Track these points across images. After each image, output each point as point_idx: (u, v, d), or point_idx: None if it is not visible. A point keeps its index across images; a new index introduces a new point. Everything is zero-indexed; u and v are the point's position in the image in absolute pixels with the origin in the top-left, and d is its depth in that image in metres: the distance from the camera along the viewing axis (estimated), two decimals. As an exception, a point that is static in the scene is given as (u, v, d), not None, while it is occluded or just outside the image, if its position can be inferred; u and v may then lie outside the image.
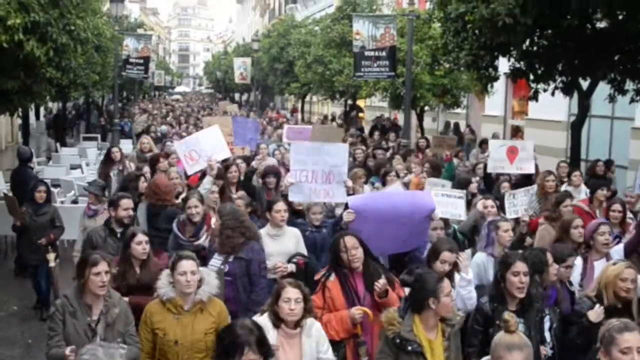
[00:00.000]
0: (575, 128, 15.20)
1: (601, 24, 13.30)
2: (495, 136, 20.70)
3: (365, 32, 19.03)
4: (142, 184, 10.22)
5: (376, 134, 22.41)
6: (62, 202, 14.78)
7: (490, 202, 9.17)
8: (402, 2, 25.84)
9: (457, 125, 26.58)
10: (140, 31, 41.34)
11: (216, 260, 7.11)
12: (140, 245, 6.83)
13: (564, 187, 11.88)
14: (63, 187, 16.72)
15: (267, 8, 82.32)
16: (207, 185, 9.66)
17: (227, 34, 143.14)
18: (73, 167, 20.60)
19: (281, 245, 7.93)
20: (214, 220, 8.08)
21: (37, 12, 11.22)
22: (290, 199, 8.75)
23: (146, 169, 12.00)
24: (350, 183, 8.94)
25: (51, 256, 7.66)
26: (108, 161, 13.11)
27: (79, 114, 37.92)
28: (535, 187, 10.33)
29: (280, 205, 8.07)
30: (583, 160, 17.26)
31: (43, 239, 10.17)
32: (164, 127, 24.71)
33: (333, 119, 33.90)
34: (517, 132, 24.89)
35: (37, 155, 24.27)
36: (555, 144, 20.67)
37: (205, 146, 9.89)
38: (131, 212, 8.19)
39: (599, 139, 20.12)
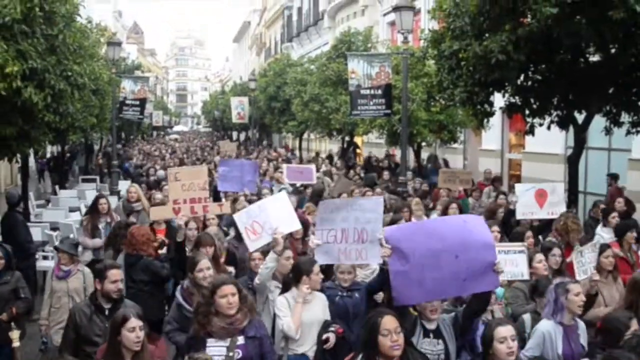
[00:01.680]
0: (572, 161, 15.23)
1: (594, 58, 13.41)
2: (487, 172, 20.79)
3: (361, 70, 19.16)
4: None
5: (385, 174, 22.20)
6: (60, 246, 14.72)
7: (541, 257, 8.59)
8: (397, 41, 25.99)
9: (435, 158, 26.82)
10: (137, 72, 41.63)
11: (218, 348, 5.99)
12: (134, 332, 5.66)
13: (599, 229, 11.85)
14: (62, 230, 16.69)
15: (263, 47, 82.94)
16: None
17: (224, 73, 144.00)
18: (72, 210, 20.59)
19: (310, 313, 7.20)
20: None
21: (35, 59, 11.31)
22: (319, 262, 7.69)
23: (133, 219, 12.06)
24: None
25: (14, 334, 6.83)
26: (94, 212, 12.52)
27: (73, 155, 37.91)
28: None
29: (318, 267, 7.41)
30: (581, 193, 17.30)
31: (4, 314, 8.64)
32: (162, 172, 23.62)
33: (329, 158, 33.76)
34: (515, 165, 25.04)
35: (36, 198, 24.36)
36: (553, 176, 20.67)
37: (271, 216, 8.34)
38: (120, 285, 6.98)
39: (596, 171, 20.17)
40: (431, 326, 6.32)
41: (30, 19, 11.36)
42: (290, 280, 7.52)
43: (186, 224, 10.60)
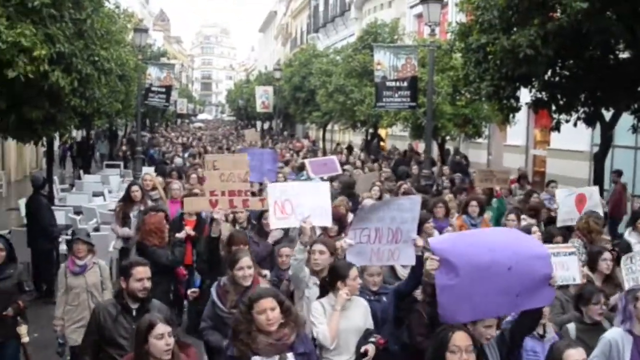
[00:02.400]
0: (599, 159, 15.09)
1: (624, 55, 13.25)
2: (521, 170, 20.01)
3: (387, 62, 19.10)
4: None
5: (414, 168, 21.57)
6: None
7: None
8: (423, 33, 25.87)
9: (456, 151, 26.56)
10: (163, 59, 41.74)
11: None
12: (162, 340, 5.11)
13: (627, 234, 11.62)
14: (85, 215, 16.83)
15: (288, 37, 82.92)
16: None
17: (249, 62, 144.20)
18: (95, 195, 20.75)
19: (349, 320, 6.59)
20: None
21: (63, 43, 11.35)
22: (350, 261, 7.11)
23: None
24: (421, 242, 6.96)
25: (22, 329, 6.71)
26: (127, 200, 12.19)
27: (94, 142, 37.97)
28: None
29: (355, 272, 6.76)
30: (606, 191, 17.13)
31: (9, 309, 8.14)
32: (179, 160, 23.53)
33: (349, 149, 33.54)
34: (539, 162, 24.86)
35: (59, 183, 24.58)
36: (578, 174, 20.52)
37: (306, 202, 7.66)
38: (147, 284, 6.39)
39: (623, 169, 19.92)
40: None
41: (59, 3, 11.40)
42: (326, 284, 6.91)
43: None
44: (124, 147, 35.37)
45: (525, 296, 5.51)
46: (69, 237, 14.16)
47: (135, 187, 12.34)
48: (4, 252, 8.38)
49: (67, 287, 8.55)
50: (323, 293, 6.88)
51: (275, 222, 7.77)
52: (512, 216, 11.37)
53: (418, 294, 7.17)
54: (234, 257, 6.86)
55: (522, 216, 11.75)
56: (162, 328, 5.11)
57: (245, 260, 6.71)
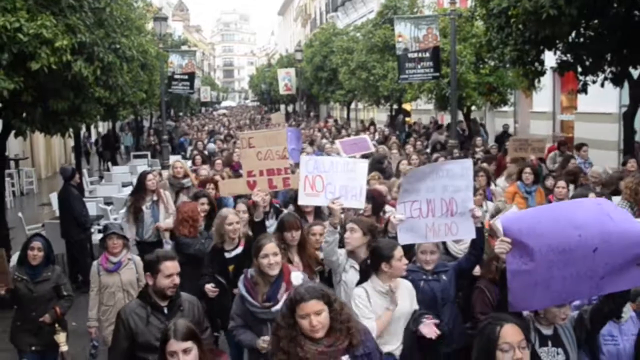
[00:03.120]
0: (628, 119, 14.88)
1: (649, 10, 13.02)
2: (558, 137, 19.59)
3: (408, 34, 18.98)
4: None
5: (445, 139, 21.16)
6: (114, 219, 14.95)
7: None
8: (444, 2, 25.67)
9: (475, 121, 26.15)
10: (184, 48, 41.84)
11: None
12: (174, 358, 4.42)
13: None
14: (115, 205, 16.97)
15: (308, 18, 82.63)
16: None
17: (270, 47, 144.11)
18: (124, 185, 20.90)
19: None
20: (296, 276, 6.16)
21: (84, 32, 11.36)
22: (402, 241, 6.39)
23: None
24: (479, 212, 6.50)
25: (61, 337, 6.61)
26: (140, 190, 11.31)
27: (118, 135, 37.69)
28: None
29: (400, 251, 6.16)
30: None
31: (46, 316, 7.76)
32: (212, 145, 22.86)
33: (372, 125, 33.20)
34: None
35: (89, 175, 24.82)
36: (607, 136, 20.26)
37: (340, 181, 7.07)
38: (176, 280, 5.77)
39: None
40: (548, 331, 5.18)
41: (77, -7, 11.43)
42: (368, 266, 6.34)
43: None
44: (151, 138, 35.51)
45: (611, 278, 4.78)
46: (100, 227, 14.39)
47: (150, 176, 11.46)
48: (42, 253, 7.81)
49: (100, 285, 8.10)
50: (364, 277, 6.37)
51: (304, 198, 7.26)
52: (561, 183, 10.80)
53: (476, 270, 6.91)
54: (257, 243, 6.13)
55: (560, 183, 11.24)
56: (174, 345, 4.39)
57: (270, 247, 6.03)
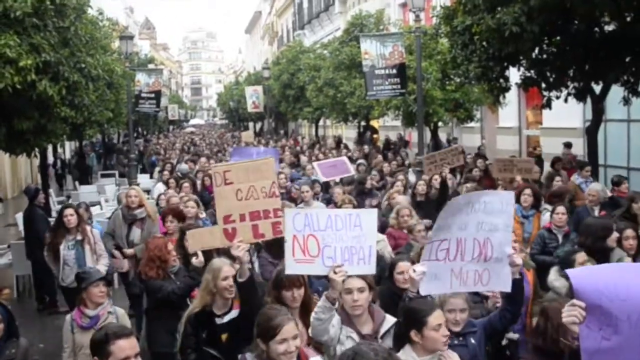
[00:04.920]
0: (591, 133, 15.12)
1: (609, 27, 13.26)
2: (565, 153, 18.60)
3: (374, 51, 19.09)
4: None
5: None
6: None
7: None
8: (409, 21, 25.86)
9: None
10: (151, 66, 41.70)
11: None
12: None
13: None
14: (83, 225, 16.78)
15: (275, 36, 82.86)
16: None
17: (238, 64, 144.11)
18: (92, 205, 20.70)
19: None
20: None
21: (48, 52, 11.35)
22: (424, 292, 5.26)
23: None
24: (519, 260, 5.29)
25: None
26: (60, 229, 10.05)
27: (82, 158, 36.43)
28: None
29: (439, 316, 4.97)
30: (601, 166, 17.15)
31: None
32: (184, 166, 20.97)
33: (338, 143, 33.07)
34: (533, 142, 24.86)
35: (57, 195, 24.58)
36: (573, 151, 20.55)
37: (341, 241, 5.44)
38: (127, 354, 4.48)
39: (615, 142, 20.01)
40: None
41: (42, 12, 11.41)
42: (399, 333, 5.21)
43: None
44: (121, 156, 35.15)
45: None
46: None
47: (68, 211, 10.07)
48: (2, 325, 5.89)
49: (74, 346, 6.81)
50: (397, 345, 5.14)
51: (293, 266, 5.46)
52: (561, 208, 9.73)
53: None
54: (270, 322, 4.59)
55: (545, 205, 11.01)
56: None
57: (290, 329, 4.55)
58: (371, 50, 19.14)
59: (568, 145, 18.73)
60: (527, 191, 10.79)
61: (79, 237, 9.90)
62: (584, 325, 3.55)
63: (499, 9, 12.63)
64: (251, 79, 64.59)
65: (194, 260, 7.34)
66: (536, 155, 18.84)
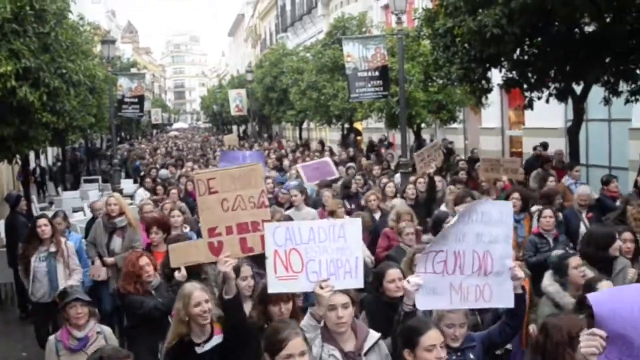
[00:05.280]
0: (572, 133, 15.22)
1: (589, 28, 13.34)
2: (558, 153, 18.41)
3: (356, 53, 19.09)
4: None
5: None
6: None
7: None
8: (391, 22, 25.93)
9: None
10: (133, 70, 41.54)
11: None
12: None
13: None
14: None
15: (258, 39, 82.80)
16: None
17: (221, 68, 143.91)
18: (75, 210, 20.59)
19: None
20: None
21: (28, 58, 11.29)
22: (421, 307, 4.99)
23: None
24: (521, 273, 5.05)
25: None
26: (33, 241, 9.51)
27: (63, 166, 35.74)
28: None
29: (435, 336, 4.60)
30: (583, 165, 17.25)
31: None
32: (164, 172, 20.82)
33: (322, 145, 32.96)
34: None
35: (39, 201, 24.40)
36: (550, 151, 20.71)
37: (325, 254, 5.16)
38: None
39: (597, 142, 20.15)
40: None
41: (21, 18, 11.36)
42: (394, 350, 4.99)
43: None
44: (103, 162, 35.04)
45: None
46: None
47: (42, 221, 9.59)
48: None
49: None
50: None
51: (275, 284, 5.16)
52: (548, 212, 9.61)
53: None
54: (276, 335, 4.33)
55: (535, 207, 10.87)
56: None
57: (296, 344, 4.27)
58: (354, 53, 19.15)
59: (544, 146, 18.86)
60: (515, 195, 10.69)
61: (52, 249, 9.41)
62: (603, 355, 3.22)
63: (480, 11, 12.69)
64: (234, 82, 64.53)
65: (176, 274, 7.01)
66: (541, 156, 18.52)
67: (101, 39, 26.56)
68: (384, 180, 13.59)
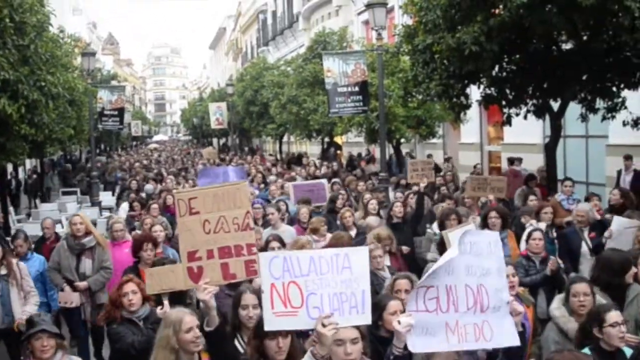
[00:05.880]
0: (550, 149, 15.36)
1: (567, 46, 13.50)
2: (541, 170, 18.26)
3: (336, 68, 19.16)
4: None
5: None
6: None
7: None
8: (372, 39, 26.07)
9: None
10: (113, 83, 41.42)
11: None
12: None
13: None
14: (43, 244, 16.55)
15: (239, 52, 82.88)
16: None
17: (202, 80, 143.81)
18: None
19: None
20: None
21: (7, 70, 11.27)
22: (414, 349, 4.56)
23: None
24: (521, 308, 4.92)
25: None
26: None
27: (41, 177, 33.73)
28: None
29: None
30: (560, 181, 17.38)
31: None
32: (149, 186, 20.12)
33: (299, 158, 32.52)
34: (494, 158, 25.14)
35: (16, 213, 24.21)
36: (533, 166, 20.82)
37: (328, 287, 4.71)
38: None
39: (574, 158, 20.36)
40: None
41: (1, 30, 11.34)
42: None
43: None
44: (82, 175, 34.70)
45: None
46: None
47: (18, 242, 9.70)
48: None
49: None
50: None
51: (273, 321, 4.68)
52: (537, 234, 9.21)
53: None
54: None
55: (531, 221, 10.64)
56: None
57: None
58: (334, 68, 19.22)
59: (512, 162, 19.01)
60: (493, 214, 10.25)
61: (3, 272, 8.56)
62: None
63: (459, 28, 12.79)
64: (215, 95, 64.49)
65: (158, 310, 6.45)
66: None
67: (81, 51, 26.48)
68: (367, 196, 13.16)
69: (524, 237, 9.65)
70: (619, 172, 16.69)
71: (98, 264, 9.53)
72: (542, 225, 10.36)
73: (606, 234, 9.88)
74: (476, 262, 4.60)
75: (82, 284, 9.41)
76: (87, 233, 9.59)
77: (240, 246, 5.21)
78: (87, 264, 9.52)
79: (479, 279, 4.58)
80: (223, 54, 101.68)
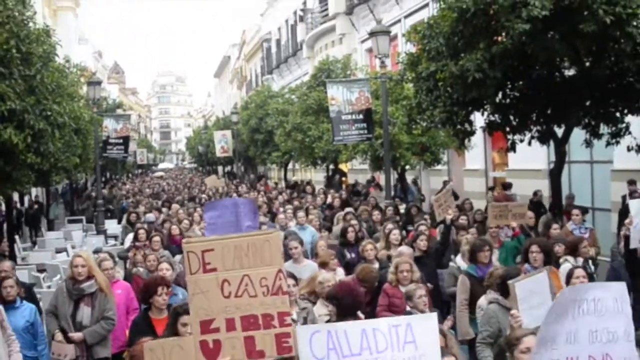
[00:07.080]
0: (554, 175, 15.36)
1: (569, 72, 13.56)
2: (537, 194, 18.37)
3: (340, 96, 19.26)
4: None
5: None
6: (48, 287, 14.60)
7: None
8: (375, 66, 26.21)
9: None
10: (119, 111, 41.65)
11: None
12: None
13: None
14: (49, 272, 16.58)
15: (244, 80, 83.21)
16: None
17: (207, 108, 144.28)
18: (58, 251, 20.47)
19: None
20: None
21: (14, 100, 11.34)
22: None
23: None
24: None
25: None
26: None
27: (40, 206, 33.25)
28: None
29: None
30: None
31: None
32: (151, 216, 19.40)
33: (303, 188, 32.38)
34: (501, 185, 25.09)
35: (22, 241, 24.26)
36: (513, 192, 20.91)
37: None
38: None
39: (579, 184, 20.32)
40: None
41: (8, 61, 11.42)
42: None
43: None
44: (86, 204, 34.72)
45: None
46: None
47: (9, 281, 8.38)
48: None
49: None
50: None
51: None
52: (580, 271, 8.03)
53: None
54: None
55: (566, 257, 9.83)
56: None
57: None
58: (338, 96, 19.32)
59: (505, 187, 18.84)
60: (534, 248, 9.06)
61: None
62: None
63: (462, 55, 12.86)
64: (220, 123, 64.73)
65: None
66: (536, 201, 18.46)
67: (87, 80, 26.69)
68: (389, 226, 12.25)
69: (562, 275, 8.39)
70: (624, 197, 16.67)
71: (99, 313, 8.28)
72: (580, 261, 9.72)
73: (626, 221, 9.37)
74: (601, 324, 3.88)
75: (77, 335, 8.15)
76: (90, 277, 8.27)
77: (270, 315, 4.19)
78: (85, 313, 8.28)
79: (604, 346, 3.89)
80: (227, 82, 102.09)
